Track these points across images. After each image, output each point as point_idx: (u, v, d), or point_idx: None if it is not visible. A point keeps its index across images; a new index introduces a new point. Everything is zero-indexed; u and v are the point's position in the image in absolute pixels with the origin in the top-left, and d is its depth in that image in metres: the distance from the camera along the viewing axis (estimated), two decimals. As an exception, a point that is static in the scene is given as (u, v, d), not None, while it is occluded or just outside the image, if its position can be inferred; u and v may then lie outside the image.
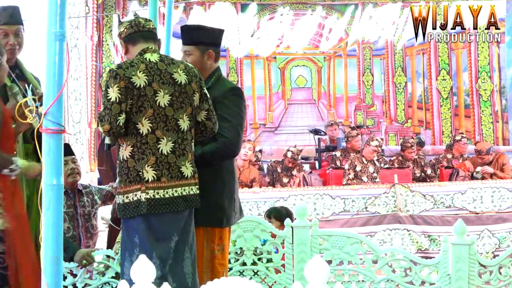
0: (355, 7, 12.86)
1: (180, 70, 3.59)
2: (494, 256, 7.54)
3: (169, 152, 3.49)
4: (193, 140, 3.63)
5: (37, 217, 3.78)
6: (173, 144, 3.50)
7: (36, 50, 4.33)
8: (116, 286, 4.22)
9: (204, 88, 3.68)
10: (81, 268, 4.40)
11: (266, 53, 12.83)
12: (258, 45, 12.78)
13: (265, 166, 10.53)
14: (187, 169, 3.55)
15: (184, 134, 3.55)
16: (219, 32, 4.09)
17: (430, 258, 5.35)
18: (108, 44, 11.89)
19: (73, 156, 5.05)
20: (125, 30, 3.62)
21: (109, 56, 11.91)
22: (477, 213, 9.22)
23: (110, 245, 4.94)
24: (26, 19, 4.20)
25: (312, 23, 12.87)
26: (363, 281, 4.79)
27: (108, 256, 4.45)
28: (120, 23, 3.69)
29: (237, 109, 3.89)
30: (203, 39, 3.96)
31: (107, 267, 4.45)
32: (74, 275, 4.47)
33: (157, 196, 3.44)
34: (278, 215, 5.75)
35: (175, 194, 3.49)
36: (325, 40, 12.95)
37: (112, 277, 4.45)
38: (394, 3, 12.82)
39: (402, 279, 4.75)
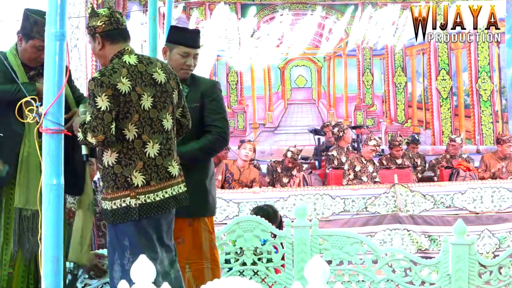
0: (355, 7, 12.85)
1: (158, 68, 3.55)
2: (494, 256, 7.55)
3: (156, 154, 3.45)
4: (175, 138, 3.63)
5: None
6: (159, 146, 3.47)
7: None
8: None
9: (180, 85, 3.69)
10: (88, 277, 4.39)
11: (266, 53, 12.82)
12: (258, 45, 12.77)
13: (265, 166, 10.52)
14: (174, 168, 3.53)
15: (169, 134, 3.53)
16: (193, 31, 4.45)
17: (430, 258, 5.35)
18: (108, 44, 11.88)
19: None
20: (103, 25, 3.49)
21: (109, 56, 11.89)
22: (477, 213, 9.22)
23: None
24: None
25: (312, 23, 12.86)
26: (363, 281, 4.79)
27: (107, 256, 4.44)
28: (95, 14, 3.51)
29: (223, 102, 4.24)
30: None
31: (107, 267, 4.44)
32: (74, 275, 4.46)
33: (148, 201, 3.42)
34: (266, 214, 5.75)
35: (166, 196, 3.48)
36: (325, 40, 12.95)
37: (112, 277, 4.44)
38: (394, 3, 12.82)
39: (402, 279, 4.75)
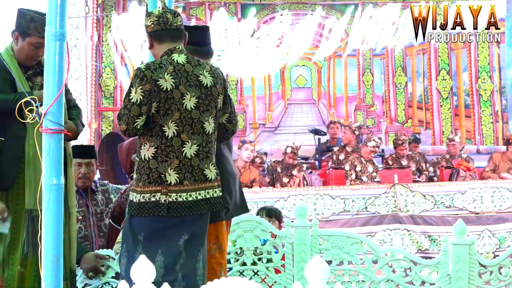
0: (355, 7, 12.84)
1: (206, 71, 3.56)
2: (494, 256, 7.54)
3: (193, 155, 3.46)
4: (215, 142, 3.63)
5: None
6: (197, 147, 3.48)
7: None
8: (116, 286, 4.21)
9: (228, 89, 3.70)
10: (87, 277, 4.39)
11: (266, 53, 12.80)
12: (258, 45, 12.76)
13: (264, 166, 10.52)
14: (211, 172, 3.53)
15: (209, 137, 3.54)
16: (191, 29, 4.03)
17: (430, 258, 5.35)
18: (108, 44, 11.88)
19: (90, 160, 4.96)
20: (152, 25, 3.55)
21: (109, 56, 11.90)
22: (477, 213, 9.23)
23: (109, 244, 4.92)
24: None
25: (312, 23, 12.85)
26: (363, 281, 4.78)
27: (108, 256, 4.44)
28: (148, 14, 3.59)
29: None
30: None
31: (107, 267, 4.44)
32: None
33: (179, 199, 3.42)
34: (272, 213, 5.80)
35: (199, 197, 3.47)
36: (325, 40, 12.94)
37: (112, 277, 4.44)
38: (394, 3, 12.81)
39: (402, 279, 4.75)
